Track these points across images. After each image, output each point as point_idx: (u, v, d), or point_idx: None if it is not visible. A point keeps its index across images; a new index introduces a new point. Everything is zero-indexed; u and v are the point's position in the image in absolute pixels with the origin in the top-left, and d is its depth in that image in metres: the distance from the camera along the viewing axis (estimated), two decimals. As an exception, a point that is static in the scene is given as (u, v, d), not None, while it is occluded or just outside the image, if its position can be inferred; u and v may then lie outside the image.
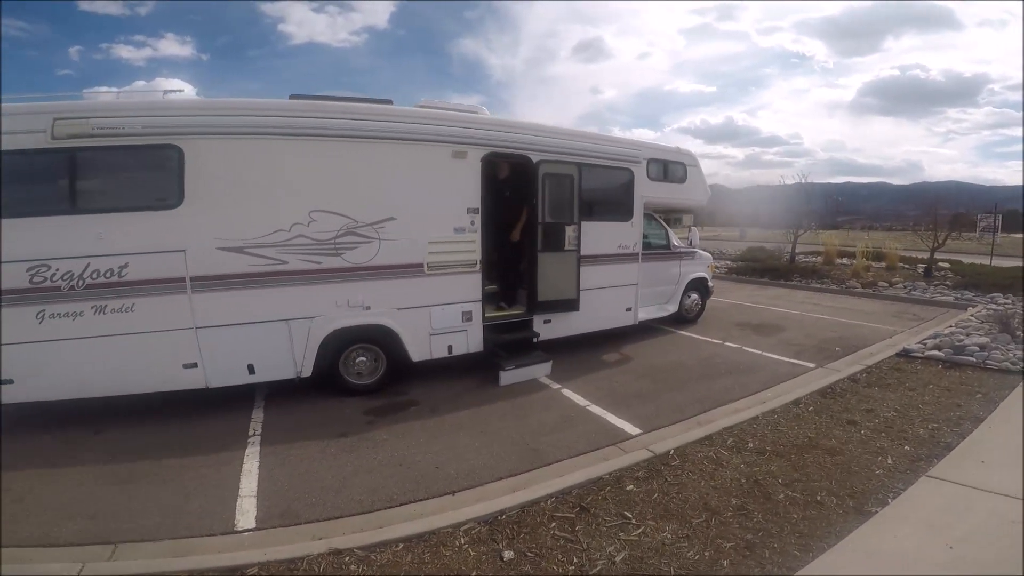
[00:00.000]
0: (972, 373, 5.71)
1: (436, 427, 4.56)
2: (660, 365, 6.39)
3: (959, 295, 10.95)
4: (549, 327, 6.33)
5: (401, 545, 2.86)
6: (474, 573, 2.65)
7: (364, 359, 5.25)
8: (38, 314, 4.06)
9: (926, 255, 14.54)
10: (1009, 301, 10.16)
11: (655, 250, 7.84)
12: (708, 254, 9.14)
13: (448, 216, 5.37)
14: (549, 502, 3.28)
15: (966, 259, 16.83)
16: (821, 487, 3.43)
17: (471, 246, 5.52)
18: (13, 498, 3.32)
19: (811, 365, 6.32)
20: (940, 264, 14.68)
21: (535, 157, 5.85)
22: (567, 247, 6.20)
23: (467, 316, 5.60)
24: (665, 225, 8.32)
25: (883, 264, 15.46)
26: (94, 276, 4.14)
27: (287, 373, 4.87)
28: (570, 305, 6.37)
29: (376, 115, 4.97)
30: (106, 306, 4.19)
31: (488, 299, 5.94)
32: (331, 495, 3.44)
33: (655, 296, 7.99)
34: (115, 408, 4.56)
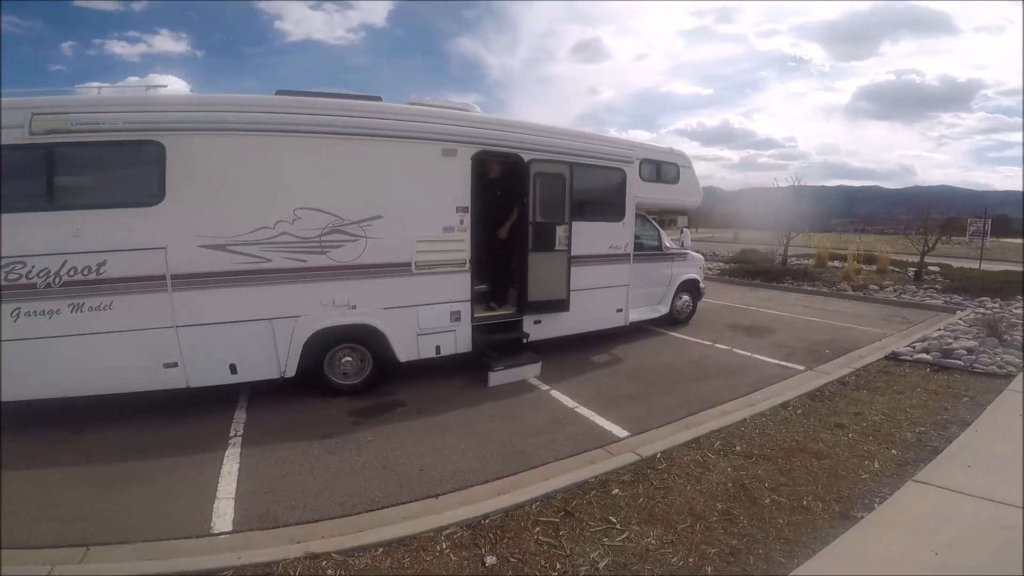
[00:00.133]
0: (960, 376, 5.73)
1: (422, 428, 4.50)
2: (650, 367, 6.36)
3: (948, 299, 11.04)
4: (539, 328, 6.28)
5: (380, 549, 2.81)
6: (454, 579, 2.60)
7: (350, 359, 5.18)
8: (13, 312, 3.97)
9: (917, 259, 14.65)
10: (997, 305, 10.25)
11: (647, 251, 7.81)
12: (700, 255, 9.15)
13: (437, 215, 5.30)
14: (534, 506, 3.23)
15: (956, 263, 17.00)
16: (807, 491, 3.41)
17: (460, 245, 5.45)
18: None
19: (801, 367, 6.32)
20: (930, 268, 14.81)
21: (526, 156, 5.80)
22: (558, 247, 6.15)
23: (456, 316, 5.54)
24: (657, 226, 8.30)
25: (874, 267, 15.58)
26: (71, 273, 4.05)
27: (270, 373, 4.79)
28: (560, 305, 6.32)
29: (363, 112, 4.89)
30: (84, 304, 4.10)
31: (478, 299, 5.89)
32: (311, 498, 3.38)
33: (646, 297, 7.97)
34: (96, 408, 4.47)
